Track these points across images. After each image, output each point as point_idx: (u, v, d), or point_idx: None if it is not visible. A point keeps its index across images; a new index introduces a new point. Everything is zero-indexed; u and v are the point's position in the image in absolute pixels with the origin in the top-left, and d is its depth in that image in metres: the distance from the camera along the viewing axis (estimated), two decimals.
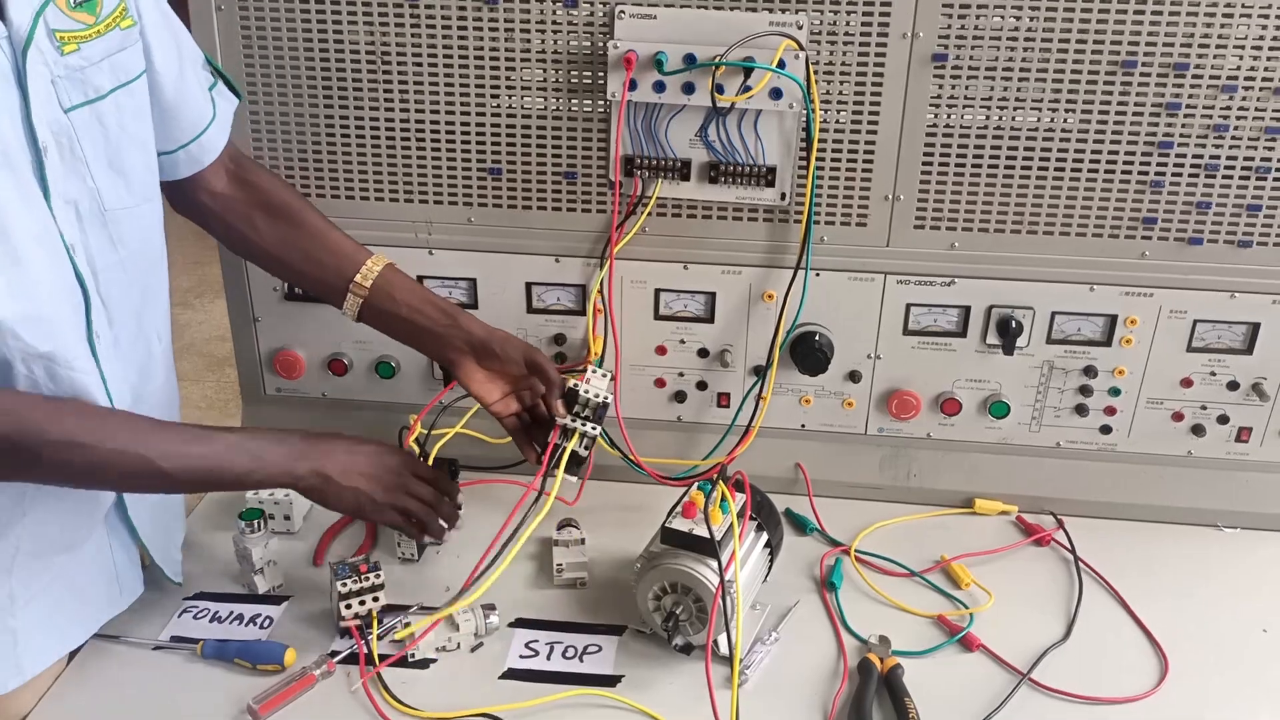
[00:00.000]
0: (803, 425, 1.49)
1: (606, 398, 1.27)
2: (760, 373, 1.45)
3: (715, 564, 1.14)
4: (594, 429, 1.28)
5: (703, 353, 1.47)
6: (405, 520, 1.21)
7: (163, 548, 1.26)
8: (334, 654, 1.19)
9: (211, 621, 1.25)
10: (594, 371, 1.29)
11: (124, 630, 1.23)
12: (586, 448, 1.29)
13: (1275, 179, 1.30)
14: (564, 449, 1.27)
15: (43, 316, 0.99)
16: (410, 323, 1.26)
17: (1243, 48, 1.25)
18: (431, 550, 1.37)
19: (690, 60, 1.29)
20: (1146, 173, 1.32)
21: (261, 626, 1.24)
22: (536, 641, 1.23)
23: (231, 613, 1.26)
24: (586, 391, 1.27)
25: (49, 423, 0.99)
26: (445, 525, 1.25)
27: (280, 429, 1.16)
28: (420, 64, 1.35)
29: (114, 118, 1.06)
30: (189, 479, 1.07)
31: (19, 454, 0.98)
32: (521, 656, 1.21)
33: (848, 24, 1.28)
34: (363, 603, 1.20)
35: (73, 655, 1.20)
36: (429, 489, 1.22)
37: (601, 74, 1.32)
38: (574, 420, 1.27)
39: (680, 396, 1.50)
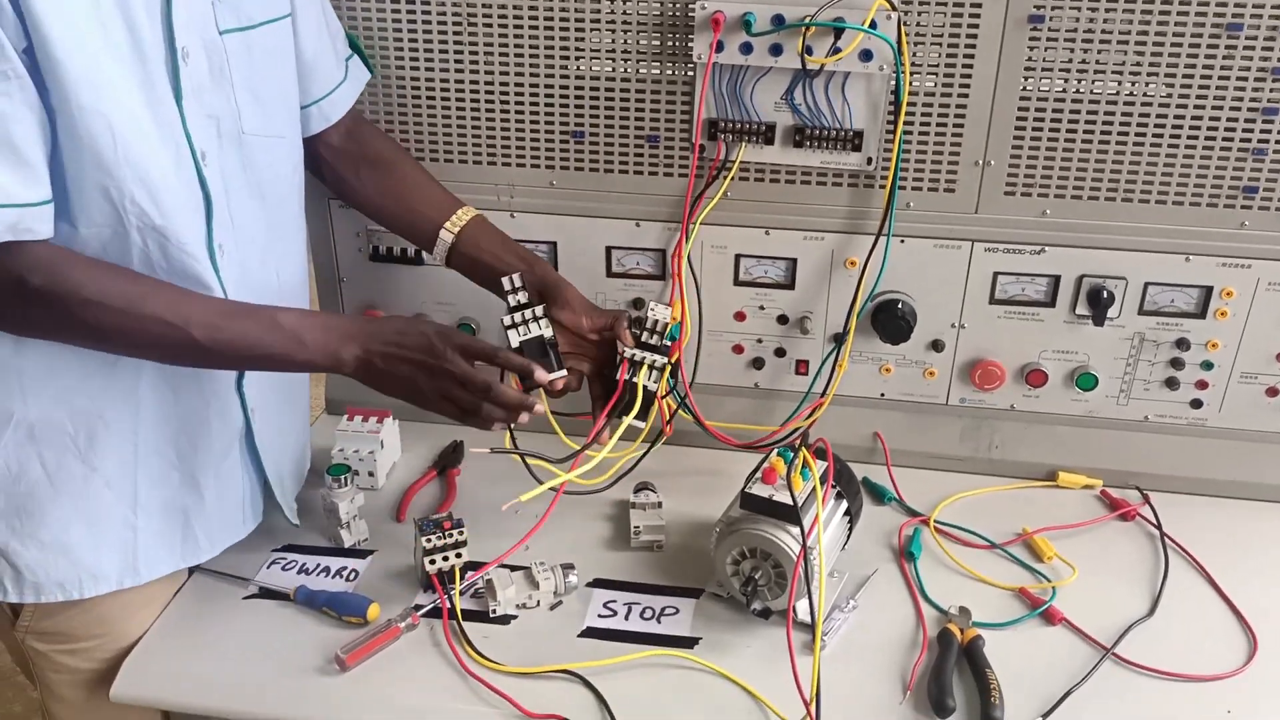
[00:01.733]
0: (882, 394, 1.48)
1: (667, 319, 1.25)
2: (839, 340, 1.44)
3: (797, 530, 1.14)
4: (661, 359, 1.25)
5: (782, 319, 1.46)
6: (457, 410, 1.16)
7: (280, 484, 1.31)
8: (418, 608, 1.22)
9: (299, 573, 1.28)
10: (656, 305, 1.28)
11: (222, 566, 1.28)
12: (656, 381, 1.25)
13: None
14: (634, 383, 1.25)
15: (159, 196, 1.04)
16: (490, 268, 1.29)
17: None
18: (511, 510, 1.39)
19: (779, 21, 1.27)
20: (1249, 139, 1.27)
21: (347, 579, 1.28)
22: (614, 602, 1.25)
23: (318, 565, 1.30)
24: (650, 313, 1.26)
25: (86, 279, 1.01)
26: (507, 411, 1.17)
27: (330, 313, 1.17)
28: (506, 27, 1.35)
29: (260, 48, 1.16)
30: (226, 353, 1.08)
31: (51, 308, 1.01)
32: (600, 616, 1.23)
33: None
34: (446, 558, 1.23)
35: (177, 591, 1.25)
36: (481, 377, 1.15)
37: (688, 36, 1.31)
38: (641, 352, 1.25)
39: (758, 363, 1.49)
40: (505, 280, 1.23)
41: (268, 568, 1.29)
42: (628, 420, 1.25)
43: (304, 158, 1.30)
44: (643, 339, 1.26)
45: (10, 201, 0.94)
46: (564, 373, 1.23)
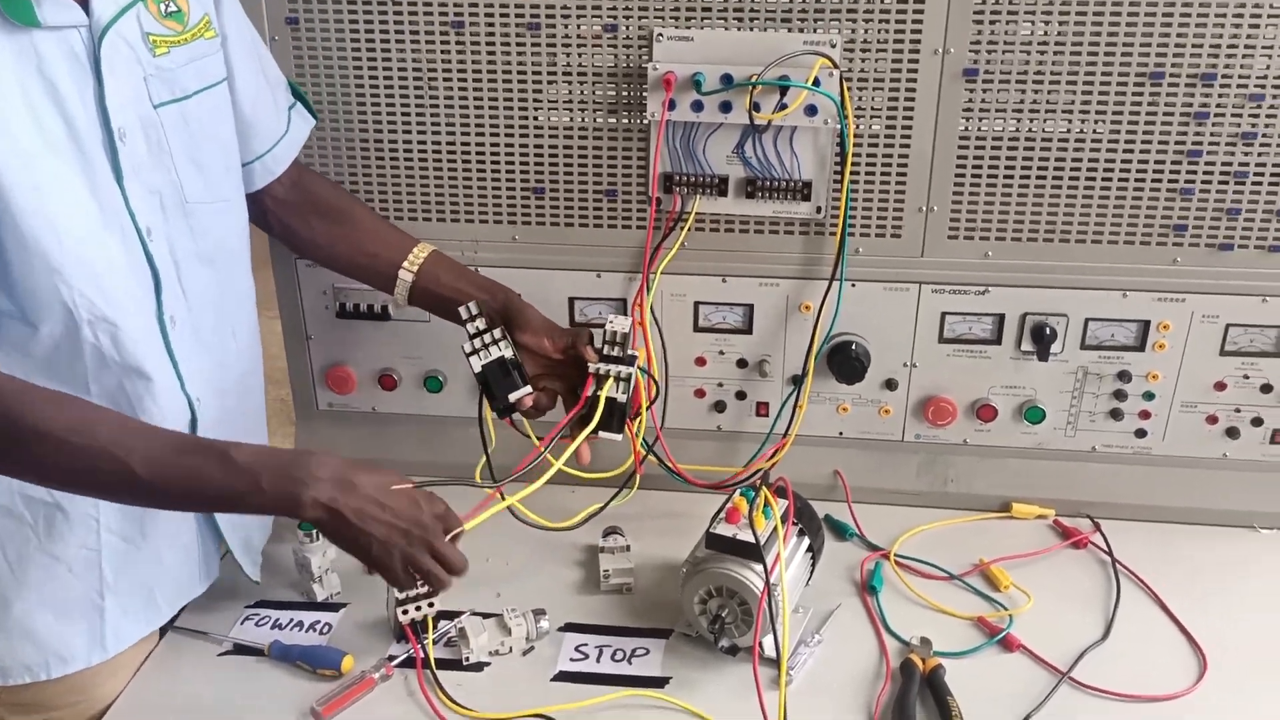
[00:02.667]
0: (840, 433, 1.53)
1: (625, 329, 1.26)
2: (798, 382, 1.48)
3: (760, 568, 1.18)
4: (626, 370, 1.26)
5: (741, 363, 1.50)
6: (415, 580, 1.13)
7: (244, 541, 1.32)
8: (391, 658, 1.23)
9: (272, 628, 1.30)
10: (614, 317, 1.29)
11: (196, 623, 1.29)
12: (624, 392, 1.26)
13: None
14: (599, 396, 1.25)
15: (106, 285, 1.05)
16: (453, 300, 1.30)
17: (1270, 54, 1.27)
18: (483, 556, 1.41)
19: (727, 80, 1.33)
20: (1176, 180, 1.34)
21: (320, 633, 1.29)
22: (586, 645, 1.27)
23: (292, 619, 1.31)
24: (609, 325, 1.27)
25: (32, 407, 0.98)
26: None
27: (298, 453, 1.09)
28: (465, 87, 1.40)
29: (197, 116, 1.16)
30: (171, 490, 1.03)
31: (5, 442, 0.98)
32: (572, 659, 1.25)
33: (880, 40, 1.32)
34: (419, 608, 1.24)
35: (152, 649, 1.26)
36: (459, 554, 1.13)
37: (641, 94, 1.37)
38: (605, 365, 1.26)
39: (720, 406, 1.53)
40: (462, 309, 1.26)
41: (241, 624, 1.31)
42: (586, 431, 1.24)
43: (252, 213, 1.31)
44: (605, 352, 1.28)
45: None
46: (529, 389, 1.25)
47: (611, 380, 1.26)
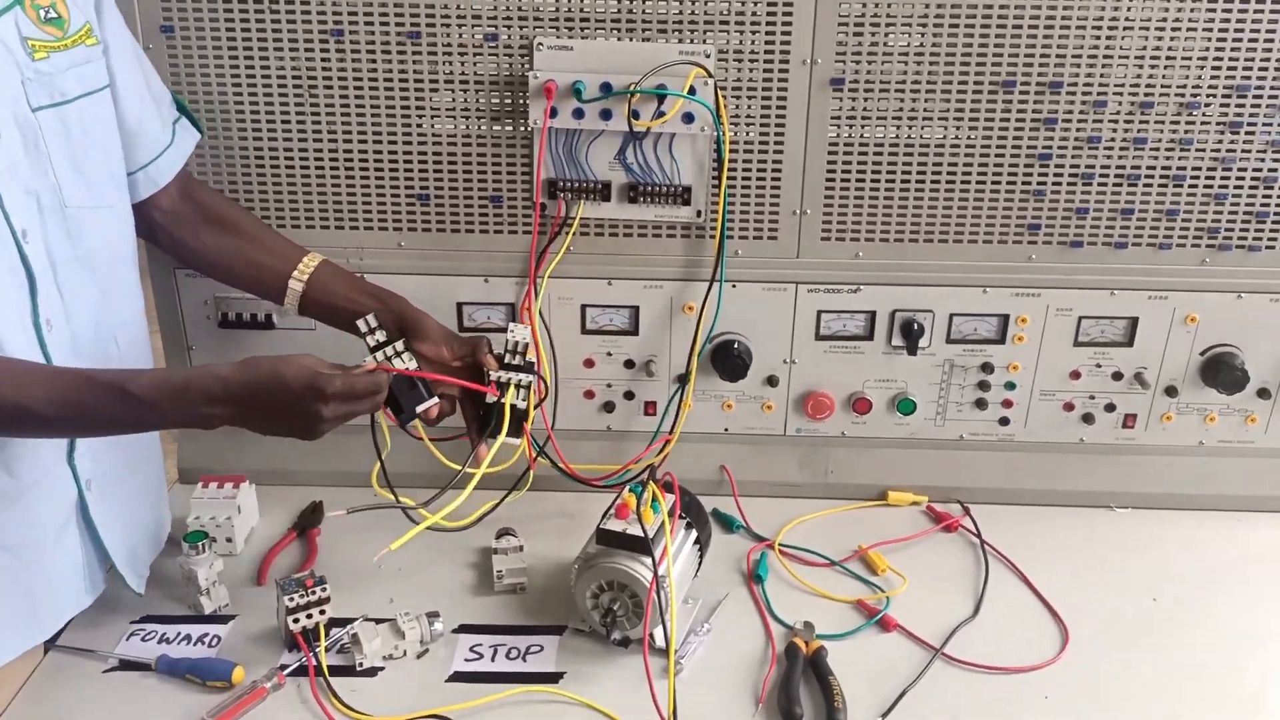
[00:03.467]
0: (726, 429, 1.58)
1: (526, 338, 1.30)
2: (683, 380, 1.53)
3: (649, 561, 1.21)
4: (527, 378, 1.30)
5: (629, 364, 1.54)
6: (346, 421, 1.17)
7: (130, 554, 1.30)
8: (283, 667, 1.23)
9: (159, 643, 1.28)
10: (514, 326, 1.32)
11: (79, 642, 1.27)
12: (525, 399, 1.30)
13: (1145, 184, 1.43)
14: (503, 404, 1.29)
15: None
16: (345, 310, 1.31)
17: (1110, 64, 1.37)
18: (374, 564, 1.41)
19: (607, 89, 1.36)
20: (1030, 182, 1.43)
21: (210, 645, 1.28)
22: (480, 645, 1.29)
23: (179, 633, 1.29)
24: (510, 335, 1.30)
25: None
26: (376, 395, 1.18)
27: (191, 372, 1.16)
28: (347, 94, 1.40)
29: (77, 122, 1.15)
30: (78, 428, 1.10)
31: None
32: (466, 660, 1.26)
33: (752, 49, 1.37)
34: (310, 615, 1.24)
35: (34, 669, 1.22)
36: (362, 406, 1.17)
37: (523, 101, 1.39)
38: (506, 373, 1.30)
39: (609, 406, 1.57)
40: (361, 322, 1.27)
41: (126, 640, 1.28)
42: (498, 442, 1.28)
43: (138, 224, 1.29)
44: (506, 360, 1.31)
45: None
46: (436, 400, 1.26)
47: (513, 388, 1.30)
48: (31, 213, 1.10)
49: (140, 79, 1.27)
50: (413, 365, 1.26)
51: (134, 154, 1.27)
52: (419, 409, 1.25)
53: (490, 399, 1.30)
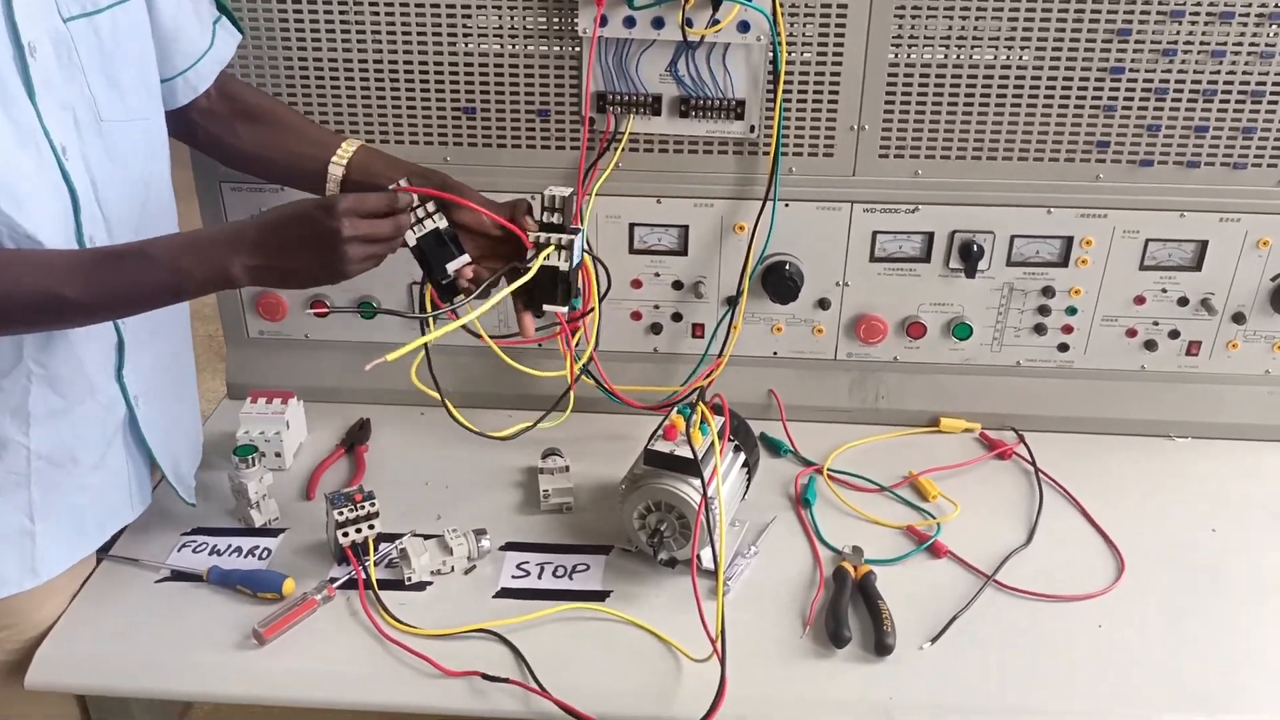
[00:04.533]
0: (775, 353, 1.55)
1: (564, 193, 1.22)
2: (732, 302, 1.50)
3: (698, 482, 1.20)
4: (567, 238, 1.22)
5: (677, 285, 1.51)
6: (377, 262, 1.12)
7: (174, 466, 1.31)
8: (333, 580, 1.24)
9: (210, 555, 1.29)
10: (552, 186, 1.25)
11: (132, 551, 1.28)
12: (566, 262, 1.22)
13: (1221, 102, 1.36)
14: (537, 257, 1.22)
15: (23, 203, 1.03)
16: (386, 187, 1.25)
17: None
18: (422, 480, 1.42)
19: None
20: (1100, 98, 1.37)
21: (260, 558, 1.29)
22: (527, 563, 1.29)
23: (230, 545, 1.30)
24: (547, 191, 1.23)
25: None
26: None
27: (204, 230, 1.11)
28: (392, 5, 1.37)
29: (110, 32, 1.12)
30: (110, 305, 1.07)
31: None
32: (513, 577, 1.27)
33: None
34: (359, 530, 1.25)
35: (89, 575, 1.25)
36: (384, 226, 1.10)
37: (573, 11, 1.35)
38: (545, 234, 1.23)
39: (656, 328, 1.54)
40: (391, 187, 1.18)
41: (178, 551, 1.30)
42: (502, 292, 1.21)
43: (175, 127, 1.27)
44: (544, 220, 1.24)
45: None
46: (467, 257, 1.21)
47: (552, 248, 1.23)
48: (69, 128, 1.08)
49: None
50: (443, 224, 1.20)
51: (171, 59, 1.24)
52: (450, 266, 1.20)
53: (532, 259, 1.22)
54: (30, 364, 1.10)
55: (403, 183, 1.18)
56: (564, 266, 1.23)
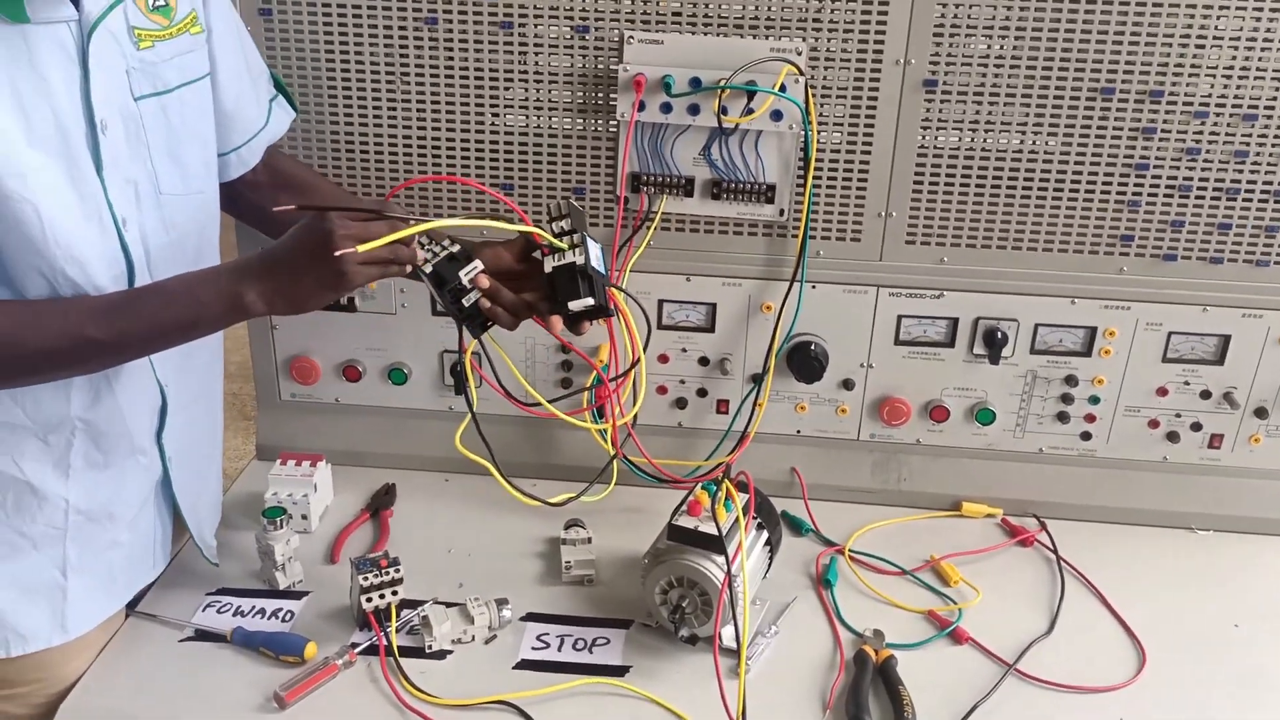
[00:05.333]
0: (798, 431, 1.56)
1: (571, 200, 1.21)
2: (758, 380, 1.52)
3: (721, 559, 1.20)
4: (579, 235, 1.21)
5: (703, 361, 1.53)
6: (381, 271, 1.12)
7: (199, 527, 1.33)
8: (354, 645, 1.24)
9: (234, 615, 1.30)
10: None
11: (157, 609, 1.30)
12: (583, 257, 1.20)
13: (1244, 199, 1.39)
14: (567, 265, 1.20)
15: (85, 269, 1.07)
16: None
17: (1214, 75, 1.33)
18: (445, 547, 1.43)
19: (696, 84, 1.36)
20: (1124, 193, 1.40)
21: (283, 620, 1.30)
22: (547, 634, 1.29)
23: (254, 607, 1.31)
24: (550, 201, 1.22)
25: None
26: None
27: (207, 269, 1.14)
28: (437, 82, 1.42)
29: (177, 110, 1.17)
30: (135, 343, 1.10)
31: None
32: (533, 648, 1.27)
33: (844, 49, 1.36)
34: (382, 596, 1.26)
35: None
36: (378, 226, 1.10)
37: (610, 95, 1.39)
38: (559, 238, 1.21)
39: (681, 403, 1.56)
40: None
41: (203, 610, 1.31)
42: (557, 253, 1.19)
43: (220, 196, 1.31)
44: (554, 229, 1.22)
45: None
46: (479, 264, 1.19)
47: (569, 247, 1.20)
48: (130, 201, 1.12)
49: (241, 62, 1.29)
50: (456, 248, 1.19)
51: (228, 136, 1.29)
52: (463, 272, 1.18)
53: (549, 255, 1.20)
54: (77, 420, 1.13)
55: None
56: (580, 260, 1.21)
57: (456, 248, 1.19)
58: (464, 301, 1.20)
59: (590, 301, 1.21)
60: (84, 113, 1.06)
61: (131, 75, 1.11)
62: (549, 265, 1.21)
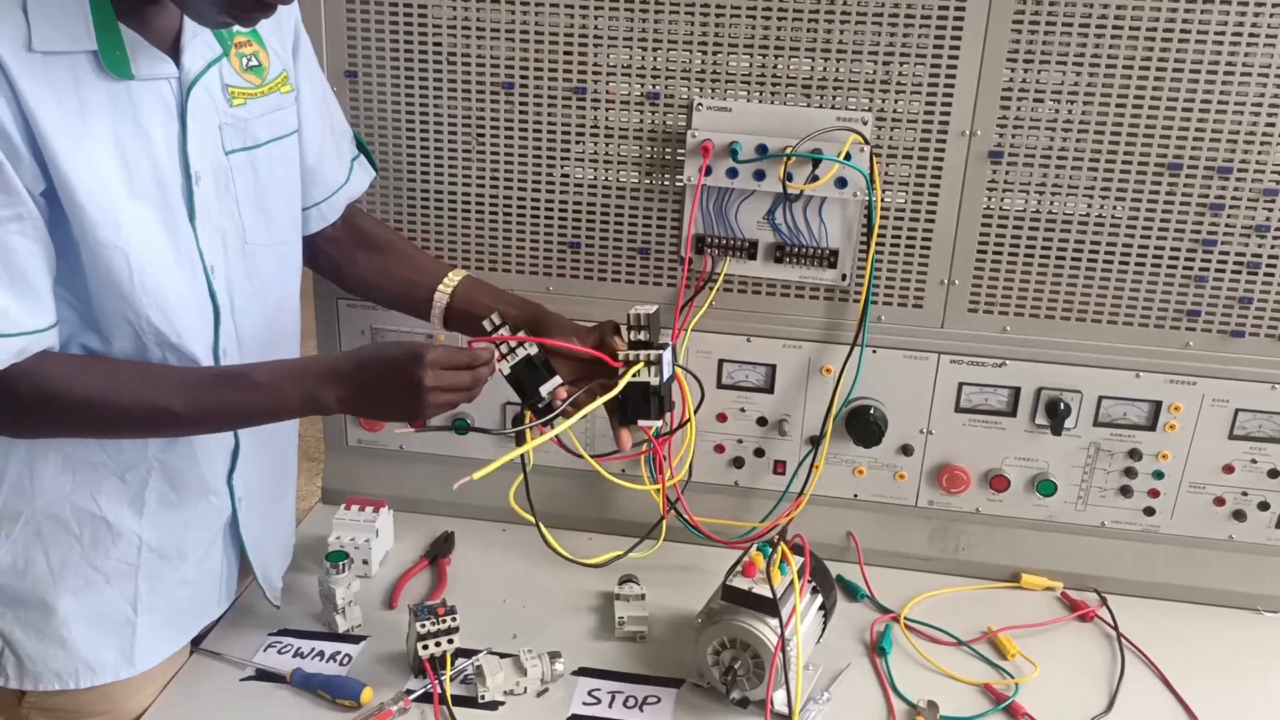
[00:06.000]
0: (855, 495, 1.56)
1: (648, 310, 1.25)
2: (815, 442, 1.52)
3: (775, 622, 1.20)
4: (654, 353, 1.26)
5: (761, 421, 1.54)
6: (453, 406, 1.18)
7: (265, 569, 1.36)
8: (409, 692, 1.26)
9: (294, 656, 1.33)
10: (637, 306, 1.28)
11: (221, 647, 1.33)
12: (656, 376, 1.25)
13: None
14: (626, 372, 1.25)
15: (174, 315, 1.12)
16: (484, 318, 1.28)
17: None
18: (500, 598, 1.45)
19: (762, 150, 1.39)
20: (1191, 268, 1.39)
21: (341, 664, 1.32)
22: (599, 690, 1.30)
23: (313, 649, 1.34)
24: (633, 310, 1.26)
25: (67, 379, 1.07)
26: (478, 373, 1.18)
27: (306, 358, 1.19)
28: (511, 142, 1.46)
29: (265, 165, 1.22)
30: (213, 421, 1.15)
31: (45, 411, 1.07)
32: (584, 704, 1.27)
33: (910, 119, 1.38)
34: (438, 644, 1.27)
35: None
36: (464, 378, 1.16)
37: (678, 158, 1.43)
38: (634, 351, 1.26)
39: (738, 462, 1.57)
40: (485, 322, 1.24)
41: (264, 650, 1.34)
42: (607, 397, 1.24)
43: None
44: (631, 339, 1.27)
45: (19, 330, 1.02)
46: (559, 379, 1.24)
47: (641, 365, 1.25)
48: (218, 250, 1.18)
49: (325, 121, 1.34)
50: (534, 350, 1.24)
51: (310, 191, 1.34)
52: (544, 389, 1.23)
53: (621, 376, 1.25)
54: (154, 460, 1.17)
55: (495, 318, 1.24)
56: (654, 381, 1.26)
57: (534, 349, 1.24)
58: (539, 405, 1.25)
59: (659, 424, 1.28)
60: (180, 165, 1.11)
61: (224, 130, 1.17)
62: (622, 378, 1.25)
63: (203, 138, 1.13)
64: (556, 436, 1.33)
